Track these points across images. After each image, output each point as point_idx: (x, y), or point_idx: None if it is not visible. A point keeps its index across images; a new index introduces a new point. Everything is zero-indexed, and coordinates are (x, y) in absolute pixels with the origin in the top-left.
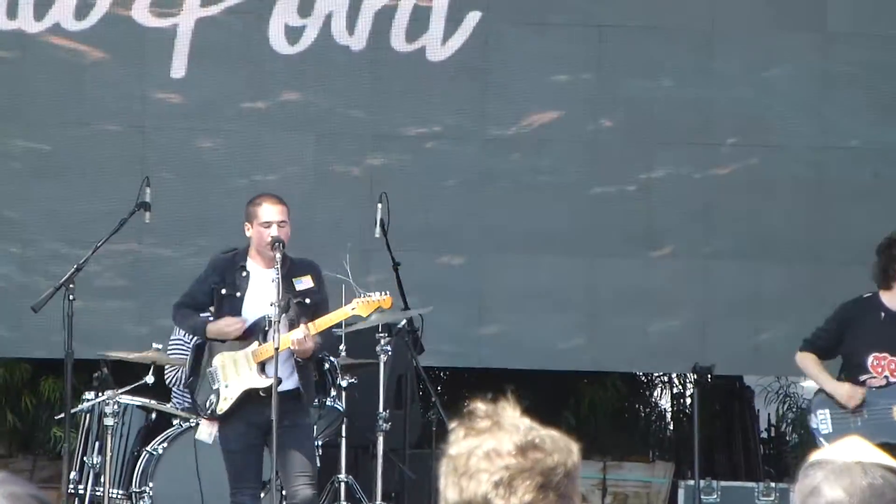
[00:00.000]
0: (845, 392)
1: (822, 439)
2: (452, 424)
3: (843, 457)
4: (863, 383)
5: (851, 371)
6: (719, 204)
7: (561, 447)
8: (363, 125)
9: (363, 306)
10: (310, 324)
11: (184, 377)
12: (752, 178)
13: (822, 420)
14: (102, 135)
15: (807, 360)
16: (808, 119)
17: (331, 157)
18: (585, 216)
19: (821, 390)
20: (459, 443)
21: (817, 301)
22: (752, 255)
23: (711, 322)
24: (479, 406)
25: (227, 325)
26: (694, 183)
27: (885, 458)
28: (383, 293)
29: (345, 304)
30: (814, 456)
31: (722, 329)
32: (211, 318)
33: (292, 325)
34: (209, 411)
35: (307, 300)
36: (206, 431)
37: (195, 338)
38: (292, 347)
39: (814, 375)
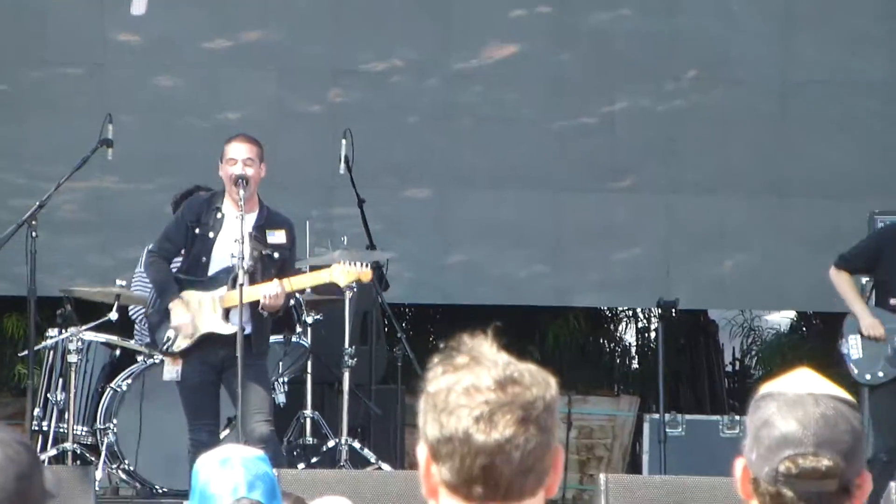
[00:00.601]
0: (868, 323)
1: (851, 365)
2: (431, 361)
3: (794, 389)
4: (893, 309)
5: (882, 295)
6: (682, 137)
7: (539, 381)
8: (324, 61)
9: (343, 275)
10: (285, 280)
11: (151, 322)
12: (716, 111)
13: (852, 346)
14: (62, 75)
15: (841, 278)
16: (773, 53)
17: (292, 95)
18: (548, 150)
19: (851, 314)
20: (438, 379)
21: (781, 234)
22: (715, 189)
23: (675, 256)
24: (459, 341)
25: (183, 325)
26: (657, 116)
27: (836, 390)
28: (365, 265)
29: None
30: (764, 388)
31: (686, 263)
32: (180, 276)
33: (251, 276)
34: (164, 348)
35: (275, 254)
36: (171, 370)
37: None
38: (263, 301)
39: (845, 294)
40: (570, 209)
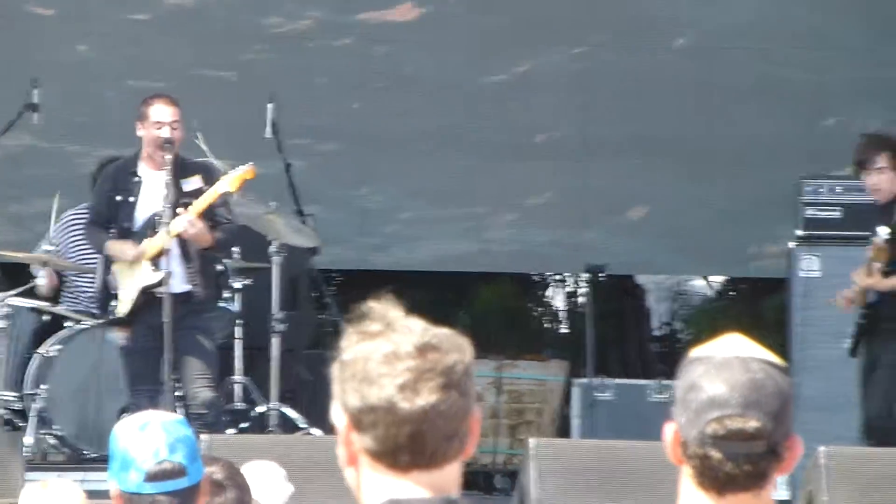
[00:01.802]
0: None
1: None
2: (343, 329)
3: (723, 352)
4: None
5: None
6: (598, 101)
7: (456, 345)
8: (235, 25)
9: (232, 181)
10: (189, 209)
11: (96, 293)
12: (634, 79)
13: None
14: None
15: None
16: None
17: (206, 59)
18: (468, 112)
19: None
20: (354, 348)
21: (705, 199)
22: (631, 152)
23: (598, 221)
24: (370, 307)
25: (123, 250)
26: (576, 84)
27: (765, 353)
28: (247, 164)
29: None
30: (694, 352)
31: (610, 228)
32: (112, 233)
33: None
34: (111, 316)
35: (193, 201)
36: (119, 336)
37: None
38: (184, 235)
39: None
40: (491, 174)
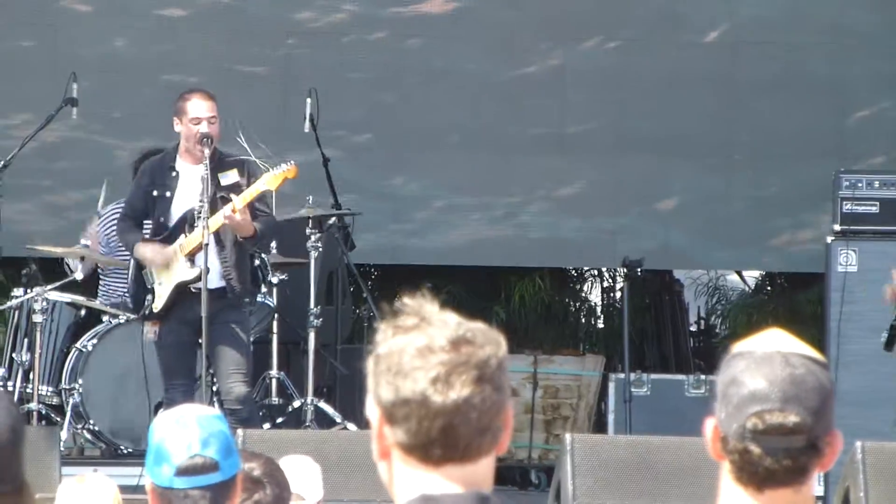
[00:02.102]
0: None
1: None
2: (379, 323)
3: (763, 348)
4: None
5: None
6: (632, 100)
7: (491, 339)
8: (271, 22)
9: (271, 179)
10: (232, 201)
11: (130, 289)
12: (664, 73)
13: None
14: (15, 47)
15: None
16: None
17: (241, 55)
18: (501, 109)
19: None
20: (388, 342)
21: (746, 195)
22: (663, 150)
23: (636, 217)
24: (406, 302)
25: (151, 253)
26: (607, 78)
27: (806, 349)
28: (288, 163)
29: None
30: (736, 347)
31: (649, 223)
32: (147, 235)
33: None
34: (147, 311)
35: (231, 195)
36: (151, 330)
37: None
38: (229, 221)
39: None
40: (526, 171)
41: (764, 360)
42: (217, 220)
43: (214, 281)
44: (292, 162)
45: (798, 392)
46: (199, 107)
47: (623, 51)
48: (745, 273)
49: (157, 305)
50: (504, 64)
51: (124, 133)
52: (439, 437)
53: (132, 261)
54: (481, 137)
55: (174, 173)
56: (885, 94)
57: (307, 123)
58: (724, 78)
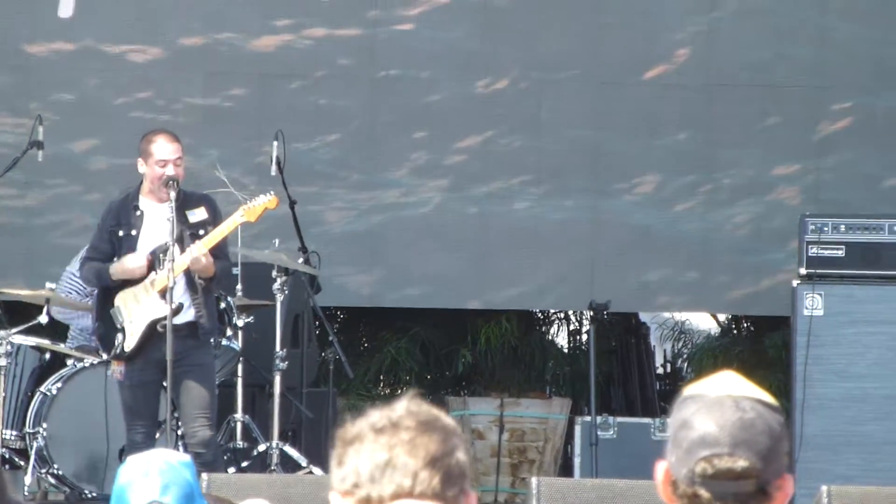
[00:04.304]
0: None
1: None
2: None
3: (715, 391)
4: None
5: None
6: (607, 143)
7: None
8: (251, 64)
9: (251, 211)
10: (202, 241)
11: (92, 327)
12: (641, 114)
13: None
14: None
15: None
16: (698, 53)
17: (217, 96)
18: (475, 151)
19: None
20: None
21: (706, 238)
22: (641, 192)
23: (603, 259)
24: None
25: (130, 262)
26: (583, 120)
27: (758, 392)
28: (268, 194)
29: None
30: (687, 390)
31: (613, 266)
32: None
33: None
34: (118, 351)
35: (201, 231)
36: (118, 371)
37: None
38: (190, 266)
39: None
40: (497, 212)
41: (714, 404)
42: (184, 261)
43: (185, 316)
44: (272, 192)
45: (748, 436)
46: (164, 149)
47: (598, 90)
48: (712, 316)
49: (130, 344)
50: (478, 113)
51: (92, 174)
52: None
53: (96, 301)
54: (452, 180)
55: (138, 212)
56: (854, 142)
57: (273, 167)
58: (701, 119)
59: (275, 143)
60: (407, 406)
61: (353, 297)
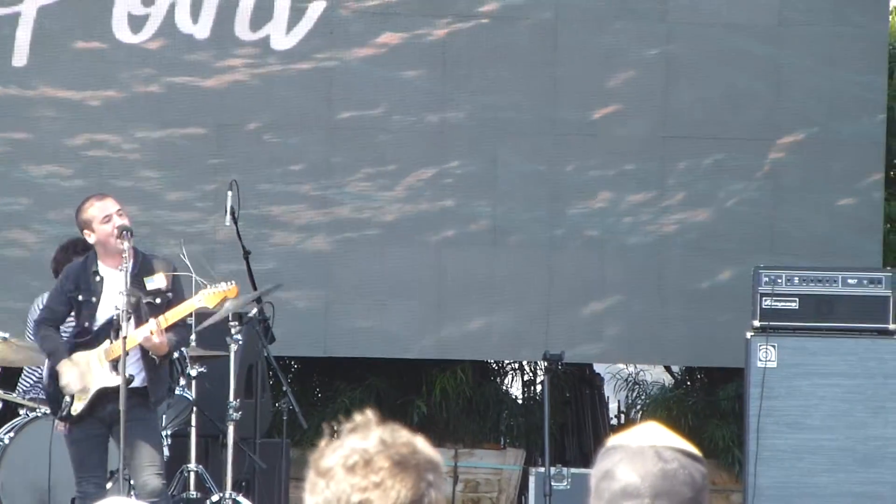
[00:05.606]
0: None
1: None
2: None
3: (638, 441)
4: None
5: None
6: (563, 196)
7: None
8: (211, 116)
9: (210, 297)
10: (159, 318)
11: (44, 382)
12: (593, 171)
13: None
14: None
15: None
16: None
17: (175, 148)
18: (430, 204)
19: None
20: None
21: (660, 290)
22: (595, 244)
23: (557, 310)
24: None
25: (69, 384)
26: (539, 175)
27: (681, 443)
28: (229, 282)
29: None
30: (611, 440)
31: (568, 317)
32: (67, 334)
33: (139, 322)
34: (64, 413)
35: (157, 300)
36: (62, 425)
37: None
38: (143, 345)
39: None
40: (453, 264)
41: (637, 454)
42: (137, 336)
43: (137, 381)
44: (233, 282)
45: (669, 486)
46: (103, 206)
47: (553, 150)
48: (665, 367)
49: (77, 408)
50: (436, 163)
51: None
52: None
53: (47, 364)
54: (408, 233)
55: (98, 278)
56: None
57: (227, 217)
58: (654, 174)
59: (229, 194)
60: (381, 438)
61: (306, 347)
